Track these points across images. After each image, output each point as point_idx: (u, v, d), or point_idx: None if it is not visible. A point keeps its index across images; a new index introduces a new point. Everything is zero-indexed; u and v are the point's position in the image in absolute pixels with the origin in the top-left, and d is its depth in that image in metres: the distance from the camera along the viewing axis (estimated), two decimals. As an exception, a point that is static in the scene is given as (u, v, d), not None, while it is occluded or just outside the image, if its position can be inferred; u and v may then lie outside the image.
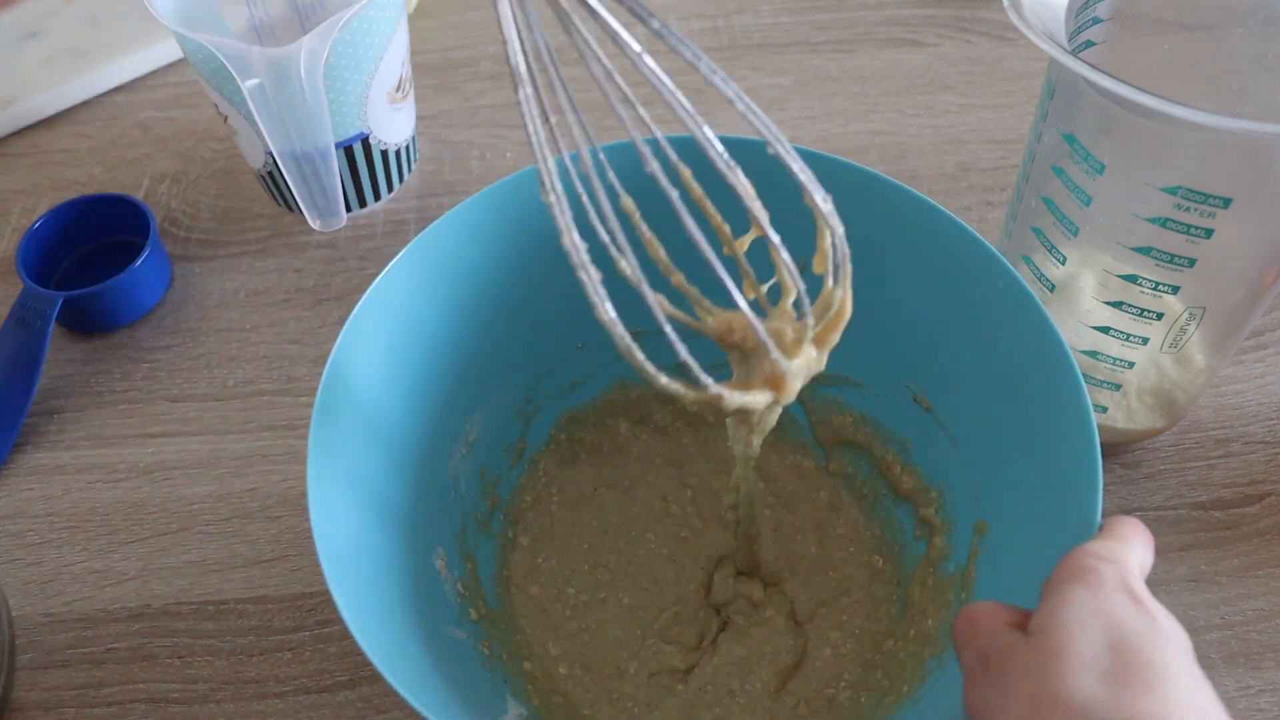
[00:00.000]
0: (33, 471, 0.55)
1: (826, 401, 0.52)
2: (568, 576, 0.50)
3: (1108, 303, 0.46)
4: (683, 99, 0.33)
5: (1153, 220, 0.42)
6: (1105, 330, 0.47)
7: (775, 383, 0.36)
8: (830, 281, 0.37)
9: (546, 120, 0.34)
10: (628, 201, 0.37)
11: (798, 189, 0.47)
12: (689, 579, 0.49)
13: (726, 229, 0.37)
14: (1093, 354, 0.48)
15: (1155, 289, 0.44)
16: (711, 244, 0.34)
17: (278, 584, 0.51)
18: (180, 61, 0.75)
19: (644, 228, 0.37)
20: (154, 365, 0.59)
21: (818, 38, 0.76)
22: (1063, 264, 0.48)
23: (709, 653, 0.47)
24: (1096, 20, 0.46)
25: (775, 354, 0.35)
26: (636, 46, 0.33)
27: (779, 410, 0.39)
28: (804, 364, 0.37)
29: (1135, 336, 0.47)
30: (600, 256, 0.34)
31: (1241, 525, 0.51)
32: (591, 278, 0.33)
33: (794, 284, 0.35)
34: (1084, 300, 0.48)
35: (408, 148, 0.66)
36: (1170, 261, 0.43)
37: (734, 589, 0.49)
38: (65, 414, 0.57)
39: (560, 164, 0.34)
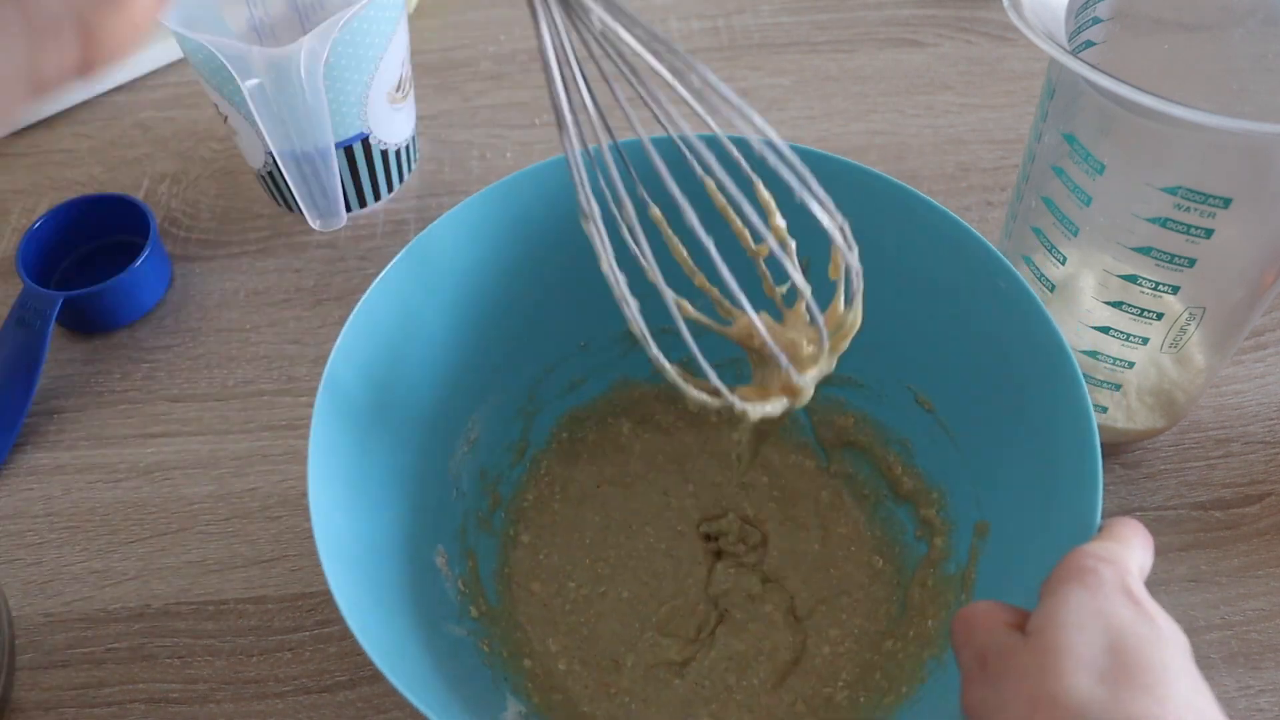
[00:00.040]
0: (33, 471, 0.55)
1: (828, 402, 0.52)
2: (568, 572, 0.50)
3: (1108, 303, 0.46)
4: (737, 102, 0.36)
5: (1153, 220, 0.42)
6: (1105, 330, 0.47)
7: (790, 389, 0.38)
8: (842, 301, 0.39)
9: (586, 148, 0.35)
10: (655, 211, 0.38)
11: (790, 189, 0.47)
12: (687, 573, 0.49)
13: (746, 234, 0.38)
14: (1093, 354, 0.48)
15: (1155, 289, 0.44)
16: (728, 247, 0.35)
17: (278, 584, 0.51)
18: (180, 61, 0.75)
19: (668, 231, 0.38)
20: (154, 365, 0.59)
21: (818, 38, 0.76)
22: (1063, 264, 0.48)
23: (706, 646, 0.47)
24: (1096, 20, 0.46)
25: (787, 367, 0.37)
26: (685, 90, 0.37)
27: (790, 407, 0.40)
28: (816, 374, 0.39)
29: (1135, 336, 0.47)
30: (623, 255, 0.35)
31: (1241, 525, 0.51)
32: (632, 308, 0.35)
33: (803, 294, 0.37)
34: (1084, 300, 0.48)
35: (408, 148, 0.66)
36: (1170, 261, 0.43)
37: (733, 580, 0.49)
38: (65, 414, 0.57)
39: (595, 185, 0.35)
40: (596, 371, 0.53)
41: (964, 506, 0.46)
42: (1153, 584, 0.33)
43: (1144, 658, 0.29)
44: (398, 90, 0.62)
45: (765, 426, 0.42)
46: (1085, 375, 0.39)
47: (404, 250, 0.44)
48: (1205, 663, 0.47)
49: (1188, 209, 0.41)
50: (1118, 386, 0.50)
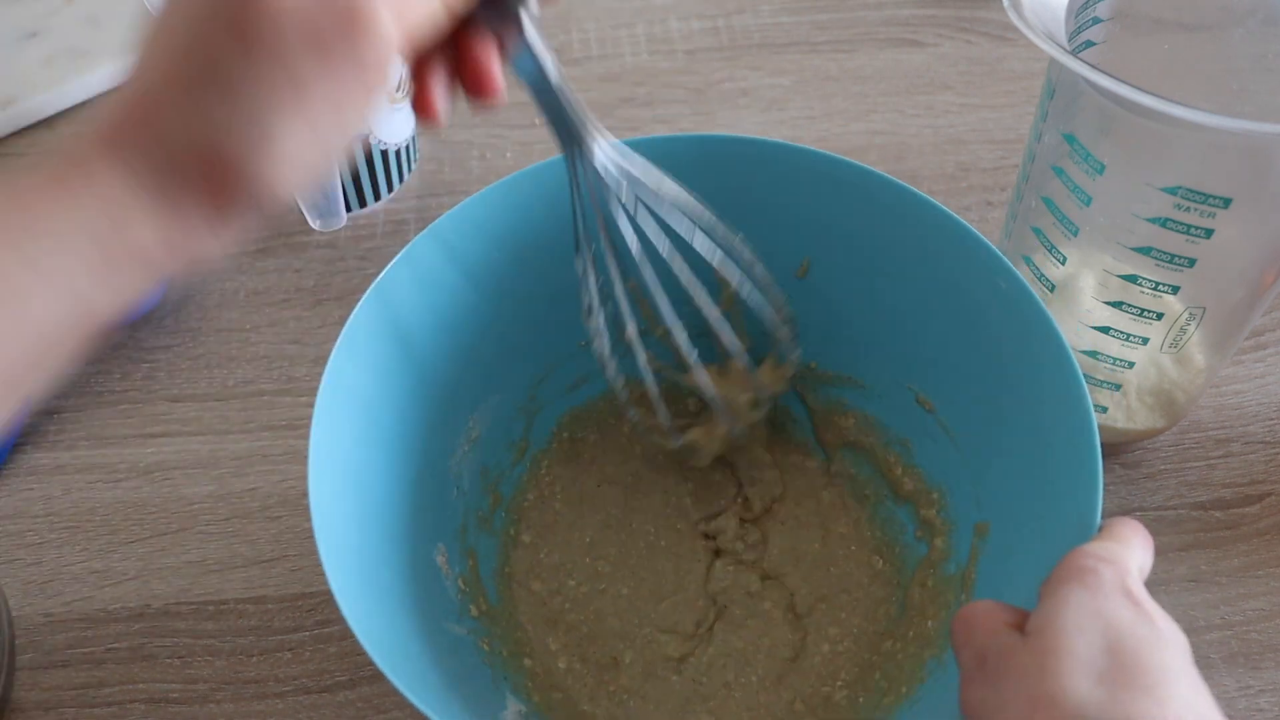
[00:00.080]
0: (33, 471, 0.55)
1: (829, 402, 0.52)
2: (568, 570, 0.50)
3: (1108, 303, 0.46)
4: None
5: (1153, 220, 0.42)
6: (1105, 330, 0.47)
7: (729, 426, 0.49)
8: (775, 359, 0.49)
9: (604, 292, 0.44)
10: (632, 283, 0.44)
11: (790, 189, 0.47)
12: (687, 570, 0.49)
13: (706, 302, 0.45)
14: (1093, 354, 0.48)
15: (1155, 289, 0.44)
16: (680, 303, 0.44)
17: (278, 584, 0.51)
18: (180, 61, 0.75)
19: (641, 297, 0.46)
20: (154, 365, 0.59)
21: (818, 38, 0.76)
22: (1063, 264, 0.48)
23: (705, 642, 0.47)
24: (1096, 20, 0.46)
25: (723, 416, 0.48)
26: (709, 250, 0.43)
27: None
28: (755, 415, 0.50)
29: (1135, 336, 0.47)
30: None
31: (1241, 525, 0.51)
32: (612, 375, 0.47)
33: (737, 357, 0.47)
34: (1084, 300, 0.48)
35: (408, 148, 0.66)
36: (1170, 261, 0.43)
37: (732, 577, 0.49)
38: (65, 414, 0.57)
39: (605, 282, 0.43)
40: (598, 371, 0.53)
41: (964, 507, 0.46)
42: (1153, 584, 0.33)
43: (1143, 659, 0.29)
44: (397, 90, 0.62)
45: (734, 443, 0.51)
46: (1085, 375, 0.39)
47: (404, 250, 0.44)
48: (1205, 663, 0.47)
49: (1188, 209, 0.41)
50: (1118, 386, 0.50)
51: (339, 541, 0.38)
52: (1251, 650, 0.48)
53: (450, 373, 0.47)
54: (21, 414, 0.56)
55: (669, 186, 0.40)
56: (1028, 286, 0.41)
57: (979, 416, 0.45)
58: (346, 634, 0.49)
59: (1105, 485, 0.37)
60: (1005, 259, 0.42)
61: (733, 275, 0.42)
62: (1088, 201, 0.44)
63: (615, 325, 0.44)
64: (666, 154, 0.46)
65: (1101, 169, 0.43)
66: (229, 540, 0.52)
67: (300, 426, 0.56)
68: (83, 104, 0.73)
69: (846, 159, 0.45)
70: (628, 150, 0.38)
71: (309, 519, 0.37)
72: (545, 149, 0.70)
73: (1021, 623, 0.32)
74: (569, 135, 0.36)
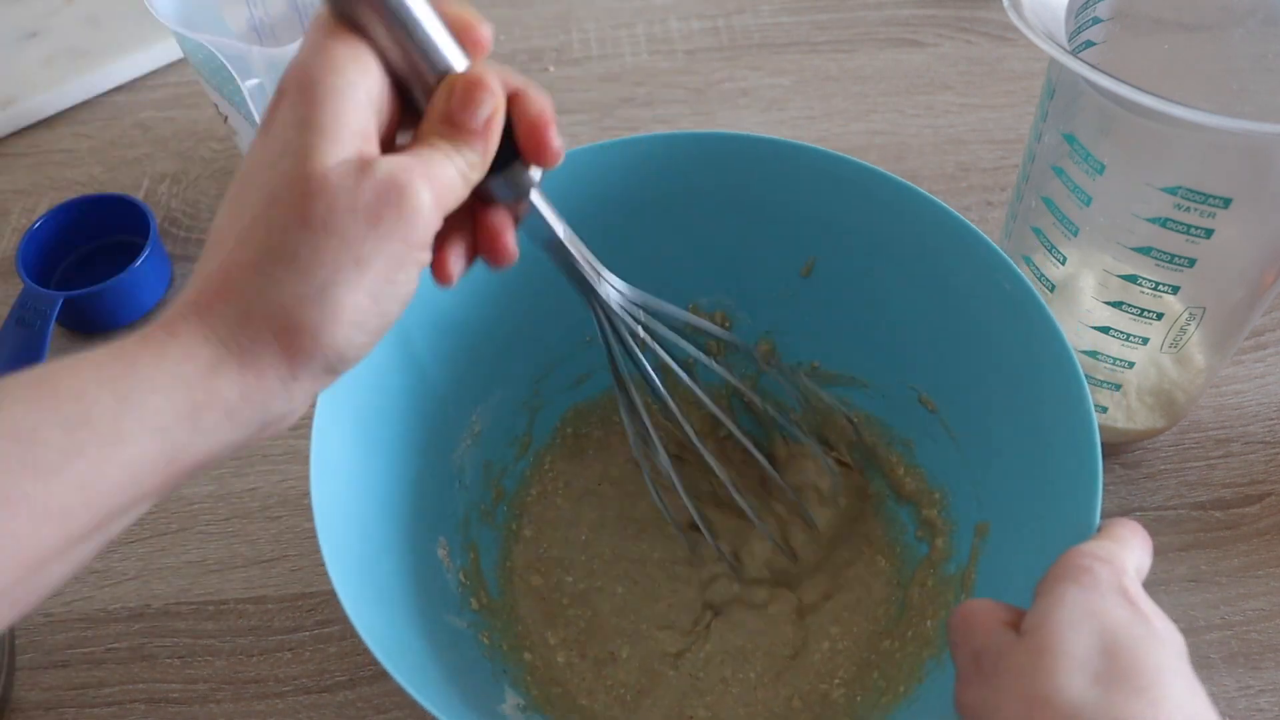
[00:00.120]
0: (33, 471, 0.55)
1: (832, 401, 0.51)
2: (567, 565, 0.50)
3: (1108, 303, 0.46)
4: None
5: (1153, 220, 0.42)
6: (1105, 330, 0.47)
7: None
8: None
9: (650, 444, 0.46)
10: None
11: (796, 188, 0.47)
12: (684, 576, 0.49)
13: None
14: (1093, 354, 0.48)
15: (1155, 289, 0.44)
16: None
17: (278, 584, 0.51)
18: (180, 61, 0.75)
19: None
20: (154, 365, 0.59)
21: (818, 38, 0.76)
22: (1063, 264, 0.48)
23: (702, 638, 0.47)
24: (1096, 20, 0.46)
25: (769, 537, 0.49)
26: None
27: None
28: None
29: (1135, 336, 0.47)
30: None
31: (1241, 525, 0.51)
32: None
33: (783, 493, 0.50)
34: (1084, 300, 0.48)
35: (408, 148, 0.66)
36: (1170, 261, 0.43)
37: (734, 592, 0.48)
38: (65, 414, 0.57)
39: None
40: (601, 367, 0.52)
41: (965, 507, 0.46)
42: (1153, 584, 0.33)
43: (1138, 659, 0.29)
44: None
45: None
46: (1085, 375, 0.39)
47: None
48: (1205, 663, 0.47)
49: (1188, 209, 0.41)
50: (1118, 386, 0.50)
51: (340, 534, 0.38)
52: (1251, 650, 0.48)
53: (453, 369, 0.47)
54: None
55: (679, 311, 0.43)
56: (1031, 287, 0.41)
57: (981, 417, 0.45)
58: (346, 634, 0.49)
59: (1105, 485, 0.37)
60: (1009, 259, 0.42)
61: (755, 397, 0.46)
62: (1088, 201, 0.44)
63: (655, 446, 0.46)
64: (672, 152, 0.47)
65: (1101, 169, 0.43)
66: (229, 540, 0.52)
67: (300, 426, 0.55)
68: (83, 104, 0.73)
69: (852, 158, 0.45)
70: (637, 290, 0.41)
71: (309, 519, 0.37)
72: (545, 149, 0.70)
73: (1018, 622, 0.32)
74: (583, 285, 0.39)
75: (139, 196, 0.66)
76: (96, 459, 0.25)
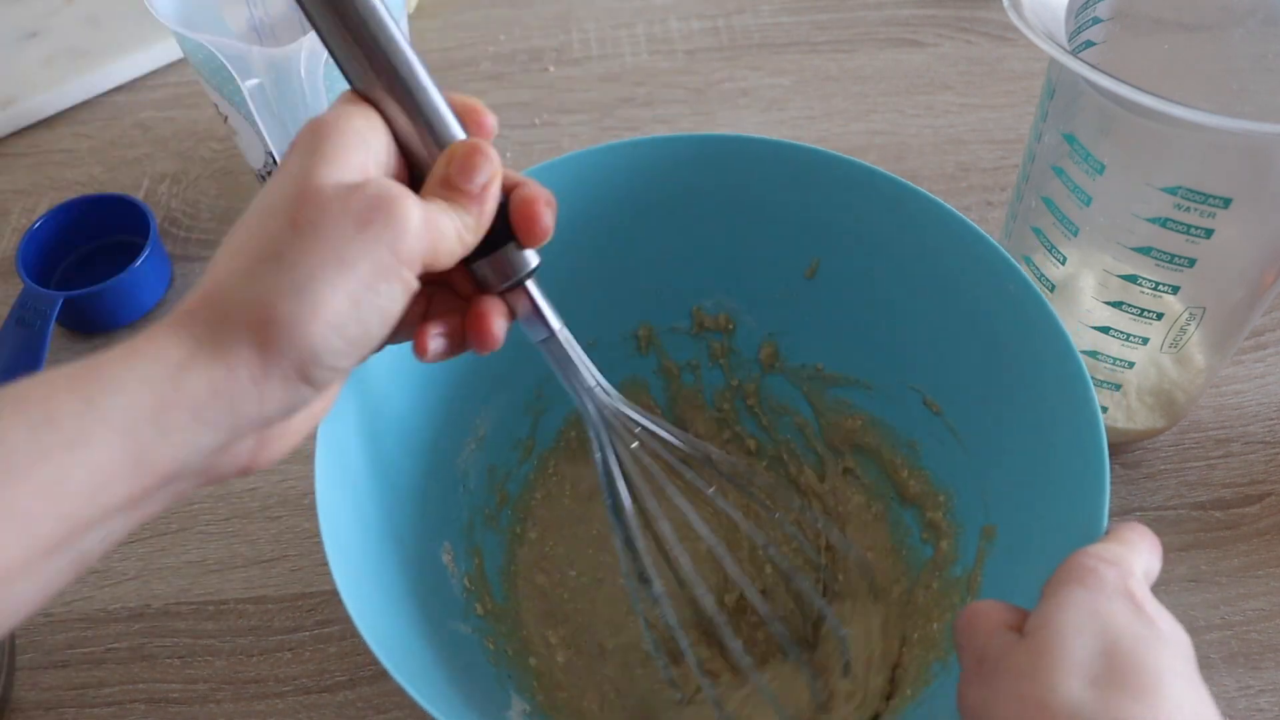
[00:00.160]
0: (33, 471, 0.55)
1: (836, 403, 0.51)
2: (571, 560, 0.50)
3: (1108, 303, 0.46)
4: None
5: (1153, 220, 0.42)
6: (1105, 330, 0.47)
7: None
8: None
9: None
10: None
11: (800, 189, 0.47)
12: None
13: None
14: (1093, 354, 0.48)
15: (1155, 289, 0.44)
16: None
17: (278, 584, 0.51)
18: (180, 61, 0.75)
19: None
20: (154, 365, 0.59)
21: (818, 38, 0.76)
22: (1063, 264, 0.48)
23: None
24: (1096, 20, 0.46)
25: None
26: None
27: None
28: None
29: (1135, 336, 0.47)
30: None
31: (1241, 525, 0.51)
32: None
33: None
34: (1084, 300, 0.48)
35: (408, 148, 0.66)
36: (1170, 261, 0.43)
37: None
38: (65, 414, 0.57)
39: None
40: (605, 369, 0.52)
41: (971, 509, 0.45)
42: (1153, 584, 0.33)
43: (1139, 661, 0.28)
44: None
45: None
46: (1087, 372, 0.39)
47: None
48: (1205, 663, 0.47)
49: (1188, 209, 0.41)
50: (1118, 386, 0.50)
51: (344, 540, 0.38)
52: (1251, 650, 0.48)
53: (458, 370, 0.47)
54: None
55: (673, 429, 0.41)
56: (1035, 289, 0.41)
57: (986, 418, 0.45)
58: (346, 634, 0.49)
59: (1107, 486, 0.37)
60: (1013, 261, 0.42)
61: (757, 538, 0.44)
62: (1088, 201, 0.44)
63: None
64: (676, 155, 0.47)
65: (1101, 169, 0.43)
66: (229, 540, 0.52)
67: (300, 426, 0.56)
68: (83, 104, 0.73)
69: (855, 159, 0.45)
70: (630, 404, 0.40)
71: (309, 519, 0.37)
72: (545, 150, 0.70)
73: (1022, 623, 0.32)
74: (582, 389, 0.39)
75: (139, 196, 0.66)
76: (61, 461, 0.25)
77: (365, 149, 0.30)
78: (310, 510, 0.37)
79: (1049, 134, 0.46)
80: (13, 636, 0.48)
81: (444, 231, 0.30)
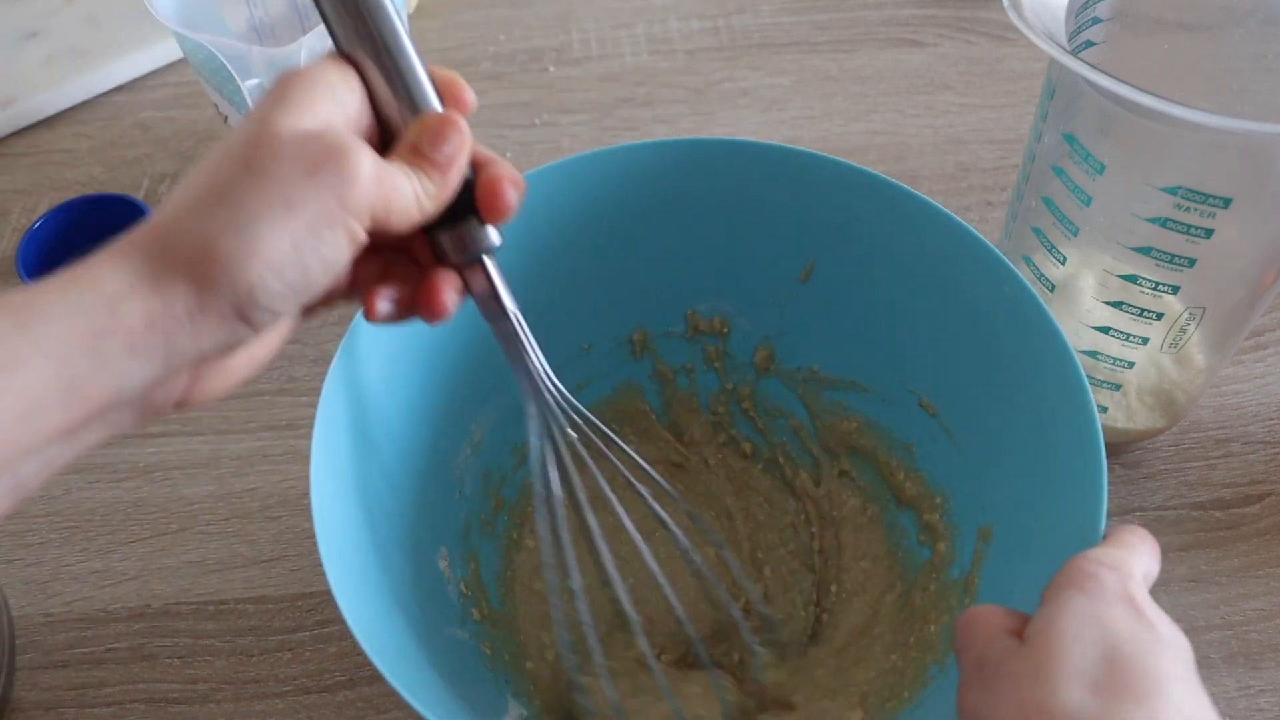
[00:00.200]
0: (33, 471, 0.55)
1: (832, 405, 0.51)
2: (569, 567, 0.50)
3: (1108, 303, 0.46)
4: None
5: (1153, 220, 0.42)
6: (1105, 330, 0.47)
7: None
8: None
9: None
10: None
11: (795, 193, 0.47)
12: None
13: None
14: (1093, 354, 0.48)
15: (1155, 289, 0.44)
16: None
17: (278, 584, 0.51)
18: (180, 61, 0.75)
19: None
20: (154, 365, 0.59)
21: (818, 38, 0.76)
22: (1063, 264, 0.48)
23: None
24: (1096, 20, 0.46)
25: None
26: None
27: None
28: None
29: (1135, 336, 0.47)
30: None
31: (1241, 525, 0.51)
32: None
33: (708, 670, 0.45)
34: (1084, 300, 0.48)
35: (408, 148, 0.66)
36: (1170, 261, 0.43)
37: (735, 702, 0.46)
38: (65, 414, 0.57)
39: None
40: (601, 375, 0.53)
41: (967, 511, 0.45)
42: (1153, 584, 0.33)
43: (1139, 666, 0.28)
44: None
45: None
46: (1085, 375, 0.39)
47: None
48: (1205, 663, 0.47)
49: (1188, 209, 0.41)
50: (1118, 386, 0.50)
51: (340, 545, 0.38)
52: (1251, 650, 0.48)
53: (454, 374, 0.47)
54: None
55: (619, 445, 0.41)
56: (1032, 290, 0.41)
57: (982, 420, 0.45)
58: (346, 634, 0.48)
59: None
60: (1009, 263, 0.42)
61: (688, 550, 0.43)
62: (1088, 201, 0.44)
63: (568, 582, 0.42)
64: (670, 158, 0.47)
65: (1101, 169, 0.43)
66: (229, 540, 0.52)
67: (300, 426, 0.56)
68: (83, 104, 0.73)
69: (850, 162, 0.45)
70: (574, 401, 0.40)
71: (309, 519, 0.37)
72: (546, 150, 0.70)
73: (1022, 628, 0.32)
74: (525, 375, 0.38)
75: (139, 196, 0.66)
76: None
77: (334, 102, 0.30)
78: (310, 510, 0.37)
79: (1049, 134, 0.46)
80: (13, 636, 0.48)
81: (400, 191, 0.30)
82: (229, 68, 0.53)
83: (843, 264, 0.48)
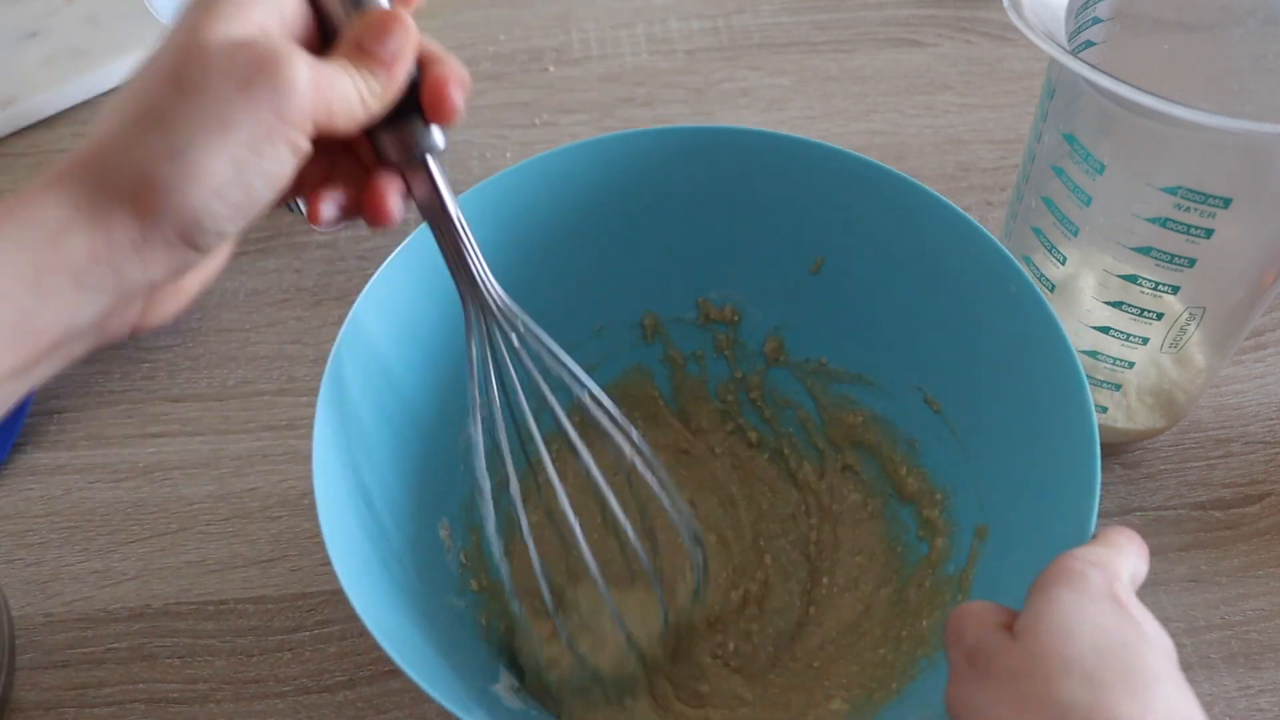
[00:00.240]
0: (33, 471, 0.55)
1: (839, 399, 0.52)
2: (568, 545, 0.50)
3: (1108, 303, 0.46)
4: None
5: (1153, 220, 0.42)
6: (1105, 330, 0.47)
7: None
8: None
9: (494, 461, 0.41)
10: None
11: (808, 185, 0.47)
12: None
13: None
14: (1093, 354, 0.48)
15: (1155, 289, 0.44)
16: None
17: (278, 584, 0.51)
18: (180, 61, 0.75)
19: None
20: (154, 365, 0.59)
21: (818, 38, 0.76)
22: (1063, 264, 0.48)
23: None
24: (1096, 20, 0.46)
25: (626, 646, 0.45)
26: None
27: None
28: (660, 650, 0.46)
29: (1135, 336, 0.47)
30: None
31: (1241, 525, 0.51)
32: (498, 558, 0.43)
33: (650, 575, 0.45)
34: (1084, 300, 0.48)
35: (408, 148, 0.66)
36: (1170, 261, 0.43)
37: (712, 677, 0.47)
38: (65, 414, 0.57)
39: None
40: (611, 357, 0.53)
41: (966, 508, 0.46)
42: (1153, 584, 0.33)
43: (1130, 662, 0.29)
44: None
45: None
46: (1085, 375, 0.39)
47: (417, 230, 0.44)
48: (1205, 663, 0.47)
49: (1188, 209, 0.41)
50: (1118, 386, 0.50)
51: (339, 508, 0.38)
52: (1251, 650, 0.48)
53: (462, 350, 0.47)
54: (21, 414, 0.56)
55: (560, 351, 0.40)
56: (1037, 291, 0.41)
57: (983, 418, 0.45)
58: (346, 634, 0.49)
59: (1105, 485, 0.37)
60: (1015, 262, 0.42)
61: (624, 453, 0.42)
62: (1088, 201, 0.44)
63: (508, 503, 0.42)
64: (684, 146, 0.47)
65: (1101, 169, 0.43)
66: (229, 540, 0.52)
67: (300, 426, 0.56)
68: (83, 104, 0.73)
69: (864, 156, 0.45)
70: (519, 310, 0.39)
71: (309, 519, 0.37)
72: (545, 149, 0.70)
73: (1012, 623, 0.32)
74: (464, 273, 0.37)
75: (139, 196, 0.66)
76: None
77: (269, 6, 0.29)
78: (310, 510, 0.37)
79: (1049, 134, 0.46)
80: (13, 637, 0.48)
81: (342, 92, 0.29)
82: (229, 68, 0.53)
83: (853, 257, 0.48)
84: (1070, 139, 0.44)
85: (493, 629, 0.45)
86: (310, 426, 0.39)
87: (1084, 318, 0.48)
